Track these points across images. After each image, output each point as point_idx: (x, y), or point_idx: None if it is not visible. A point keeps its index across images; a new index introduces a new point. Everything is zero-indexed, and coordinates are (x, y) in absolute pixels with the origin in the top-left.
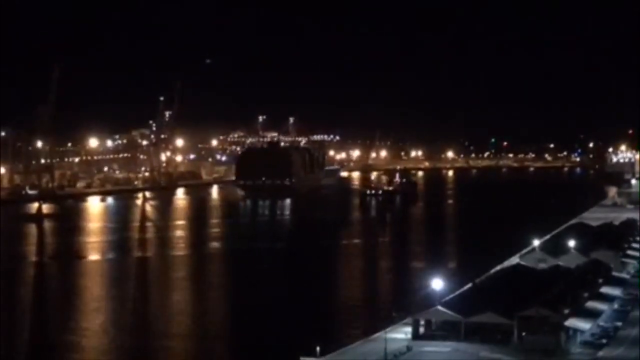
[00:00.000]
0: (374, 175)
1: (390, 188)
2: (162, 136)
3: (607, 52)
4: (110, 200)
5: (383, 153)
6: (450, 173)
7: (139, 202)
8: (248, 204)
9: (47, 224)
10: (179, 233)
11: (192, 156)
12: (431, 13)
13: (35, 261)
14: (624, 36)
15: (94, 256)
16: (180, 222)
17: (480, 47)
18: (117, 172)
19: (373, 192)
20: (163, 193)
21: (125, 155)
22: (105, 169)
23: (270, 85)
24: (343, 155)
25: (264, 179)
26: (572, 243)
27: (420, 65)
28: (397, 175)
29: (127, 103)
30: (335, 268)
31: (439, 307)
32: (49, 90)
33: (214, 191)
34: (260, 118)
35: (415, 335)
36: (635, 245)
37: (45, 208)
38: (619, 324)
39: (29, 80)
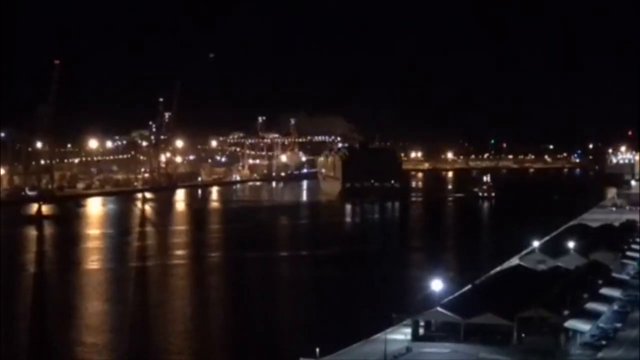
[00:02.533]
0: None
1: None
2: (162, 137)
3: (607, 52)
4: (111, 203)
5: None
6: (450, 174)
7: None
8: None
9: (47, 226)
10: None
11: (191, 157)
12: (431, 14)
13: (34, 265)
14: (624, 36)
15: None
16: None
17: (480, 47)
18: (115, 171)
19: (485, 194)
20: (164, 194)
21: (125, 156)
22: (114, 168)
23: (270, 86)
24: None
25: (372, 181)
26: (571, 244)
27: (419, 66)
28: (486, 177)
29: (127, 104)
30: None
31: (439, 308)
32: (49, 90)
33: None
34: (260, 119)
35: (415, 337)
36: (635, 246)
37: (45, 209)
38: (619, 325)
39: (29, 80)
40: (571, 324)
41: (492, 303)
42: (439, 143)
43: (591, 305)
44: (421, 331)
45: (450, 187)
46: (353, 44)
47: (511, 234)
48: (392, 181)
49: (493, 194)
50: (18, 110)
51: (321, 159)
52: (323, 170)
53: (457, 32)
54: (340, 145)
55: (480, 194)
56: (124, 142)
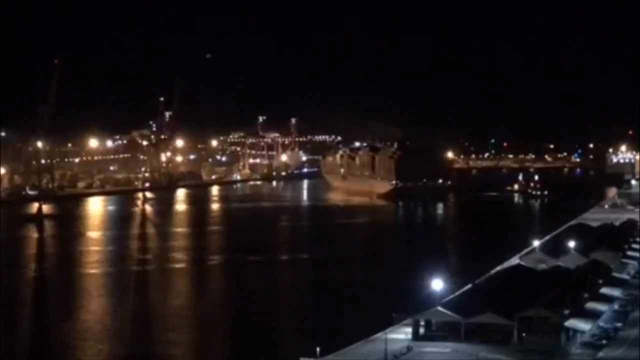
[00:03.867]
0: None
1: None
2: (162, 137)
3: (607, 52)
4: (112, 203)
5: None
6: None
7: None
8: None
9: (47, 225)
10: None
11: (192, 156)
12: (430, 13)
13: (33, 264)
14: (624, 36)
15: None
16: None
17: (480, 47)
18: (116, 170)
19: (538, 192)
20: (165, 193)
21: (126, 155)
22: (113, 167)
23: (270, 85)
24: None
25: (425, 180)
26: (572, 244)
27: (419, 66)
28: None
29: (127, 103)
30: None
31: (439, 308)
32: (49, 90)
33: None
34: (260, 118)
35: (416, 336)
36: (635, 246)
37: (46, 208)
38: (619, 324)
39: (29, 80)
40: (571, 323)
41: (493, 302)
42: (439, 142)
43: (591, 305)
44: (422, 331)
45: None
46: (352, 42)
47: None
48: (442, 180)
49: (546, 192)
50: (18, 110)
51: (331, 158)
52: (341, 170)
53: (457, 31)
54: (357, 144)
55: (533, 192)
56: (125, 141)
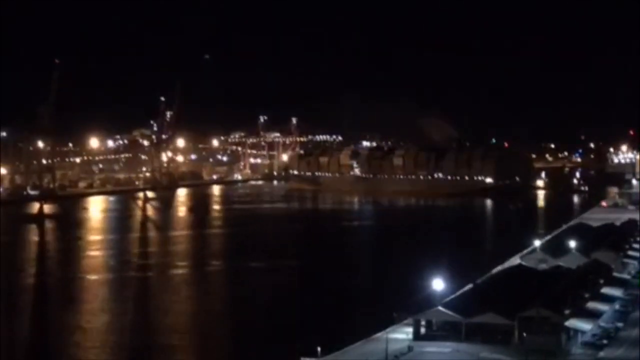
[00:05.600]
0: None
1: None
2: (163, 136)
3: (607, 52)
4: (112, 203)
5: None
6: None
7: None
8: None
9: (48, 225)
10: None
11: (193, 156)
12: (431, 13)
13: (34, 265)
14: (624, 36)
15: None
16: None
17: (480, 46)
18: (116, 170)
19: (583, 188)
20: (166, 193)
21: (127, 155)
22: (116, 167)
23: (270, 85)
24: None
25: (516, 178)
26: (573, 243)
27: (419, 66)
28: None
29: (127, 103)
30: None
31: (440, 308)
32: (49, 90)
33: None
34: (261, 118)
35: (417, 336)
36: (636, 245)
37: (47, 208)
38: (620, 324)
39: (29, 80)
40: (572, 323)
41: (493, 302)
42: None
43: (592, 305)
44: (422, 330)
45: None
46: (352, 41)
47: None
48: (522, 178)
49: (587, 188)
50: (19, 110)
51: (325, 158)
52: (355, 170)
53: (457, 30)
54: (366, 143)
55: (582, 188)
56: (125, 141)
